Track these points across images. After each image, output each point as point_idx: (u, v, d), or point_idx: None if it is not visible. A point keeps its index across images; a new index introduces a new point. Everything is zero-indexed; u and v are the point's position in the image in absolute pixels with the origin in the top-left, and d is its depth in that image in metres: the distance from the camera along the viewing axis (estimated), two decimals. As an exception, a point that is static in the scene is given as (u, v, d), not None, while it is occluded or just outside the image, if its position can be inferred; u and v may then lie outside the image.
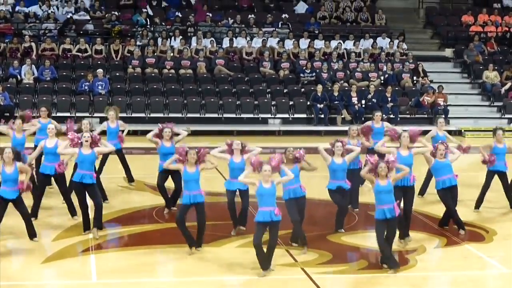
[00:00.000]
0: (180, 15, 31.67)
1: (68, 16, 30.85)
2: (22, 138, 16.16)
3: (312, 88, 28.68)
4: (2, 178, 13.27)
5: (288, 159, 13.32)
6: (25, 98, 27.01)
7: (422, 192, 17.35)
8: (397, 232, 13.20)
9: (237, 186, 14.02)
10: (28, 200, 14.25)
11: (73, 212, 15.13)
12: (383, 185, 12.24)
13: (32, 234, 13.73)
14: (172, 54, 29.57)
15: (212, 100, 28.12)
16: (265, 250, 12.13)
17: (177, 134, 15.97)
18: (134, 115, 27.38)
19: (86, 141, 13.90)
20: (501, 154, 16.11)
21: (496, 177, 16.20)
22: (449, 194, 14.38)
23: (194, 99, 28.06)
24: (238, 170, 13.70)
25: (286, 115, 28.45)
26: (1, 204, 13.29)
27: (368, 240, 14.21)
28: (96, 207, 14.11)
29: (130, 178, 18.45)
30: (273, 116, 28.41)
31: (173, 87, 28.54)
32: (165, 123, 16.14)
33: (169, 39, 30.33)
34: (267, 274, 12.10)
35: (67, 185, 15.19)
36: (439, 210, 15.38)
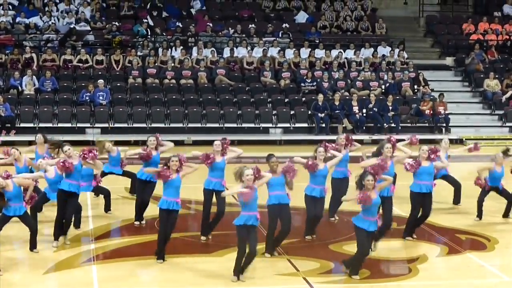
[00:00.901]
0: (181, 25, 31.72)
1: (72, 26, 30.86)
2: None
3: (313, 97, 28.70)
4: (6, 196, 13.25)
5: (272, 168, 13.25)
6: (26, 109, 27.06)
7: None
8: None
9: (214, 186, 14.23)
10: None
11: (76, 224, 15.12)
12: (374, 198, 12.21)
13: (33, 245, 13.74)
14: (173, 64, 29.62)
15: (213, 110, 28.14)
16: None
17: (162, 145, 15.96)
18: (135, 125, 27.43)
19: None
20: (498, 178, 16.12)
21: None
22: (420, 200, 14.42)
23: (195, 109, 28.08)
24: (219, 170, 14.22)
25: (287, 125, 28.46)
26: (4, 218, 13.28)
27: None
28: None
29: (132, 190, 18.38)
30: (274, 126, 28.42)
31: (174, 97, 28.57)
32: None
33: (169, 49, 30.37)
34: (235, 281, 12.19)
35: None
36: (440, 219, 15.39)
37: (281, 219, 13.31)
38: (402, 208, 15.92)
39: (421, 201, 14.41)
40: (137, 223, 15.80)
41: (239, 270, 12.23)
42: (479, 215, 16.38)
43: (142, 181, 15.46)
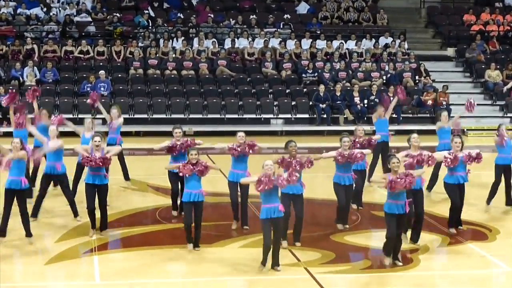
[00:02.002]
0: (182, 16, 31.68)
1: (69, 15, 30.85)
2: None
3: (314, 88, 28.68)
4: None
5: (290, 154, 13.24)
6: (27, 100, 26.97)
7: (428, 189, 17.40)
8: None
9: (239, 178, 14.11)
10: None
11: (75, 213, 15.14)
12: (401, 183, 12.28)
13: (28, 232, 13.72)
14: (174, 55, 29.58)
15: (214, 100, 28.12)
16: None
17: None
18: (136, 116, 27.40)
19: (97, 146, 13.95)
20: (508, 148, 16.20)
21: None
22: (456, 190, 14.47)
23: (196, 100, 28.05)
24: (243, 161, 14.26)
25: (289, 115, 28.44)
26: (8, 198, 13.29)
27: (372, 239, 14.20)
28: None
29: (126, 177, 18.34)
30: (275, 117, 28.39)
31: (175, 88, 28.54)
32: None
33: (171, 40, 30.34)
34: (264, 269, 12.18)
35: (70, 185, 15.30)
36: (441, 209, 15.38)
37: (294, 208, 13.36)
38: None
39: (458, 191, 14.45)
40: (174, 213, 15.72)
41: (265, 260, 12.23)
42: (489, 201, 16.47)
43: (174, 172, 15.42)
